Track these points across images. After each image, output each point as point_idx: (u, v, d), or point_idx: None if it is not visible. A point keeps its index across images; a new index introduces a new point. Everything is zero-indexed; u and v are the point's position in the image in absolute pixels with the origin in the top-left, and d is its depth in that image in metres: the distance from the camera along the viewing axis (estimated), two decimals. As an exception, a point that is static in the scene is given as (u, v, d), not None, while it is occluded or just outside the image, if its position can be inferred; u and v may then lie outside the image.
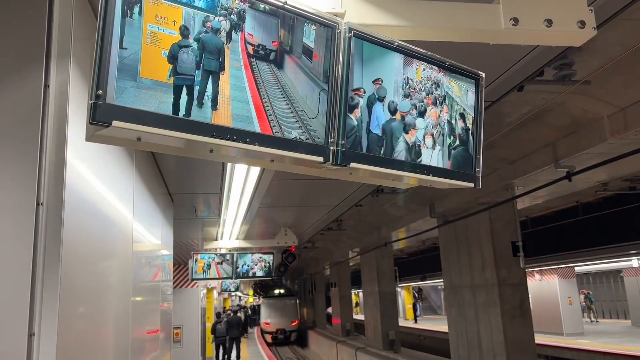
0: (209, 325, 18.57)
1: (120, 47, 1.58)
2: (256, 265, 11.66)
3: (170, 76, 1.68)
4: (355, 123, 2.11)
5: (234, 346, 19.99)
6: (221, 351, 19.78)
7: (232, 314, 21.93)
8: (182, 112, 1.69)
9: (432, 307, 44.42)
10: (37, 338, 1.86)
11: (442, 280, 13.30)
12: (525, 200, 11.23)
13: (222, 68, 1.81)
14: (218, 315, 20.90)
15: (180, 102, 1.69)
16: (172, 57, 1.69)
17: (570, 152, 7.20)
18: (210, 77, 1.78)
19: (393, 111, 2.24)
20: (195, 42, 1.74)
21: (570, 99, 6.34)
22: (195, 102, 1.72)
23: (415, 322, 35.04)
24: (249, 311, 43.60)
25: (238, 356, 19.67)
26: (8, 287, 1.85)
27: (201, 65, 1.75)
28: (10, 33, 2.03)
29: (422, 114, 2.35)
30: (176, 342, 12.90)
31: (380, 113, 2.20)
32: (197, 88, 1.74)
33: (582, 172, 7.19)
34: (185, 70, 1.72)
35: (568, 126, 7.05)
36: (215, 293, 20.76)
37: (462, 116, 2.50)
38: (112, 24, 1.56)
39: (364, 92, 2.15)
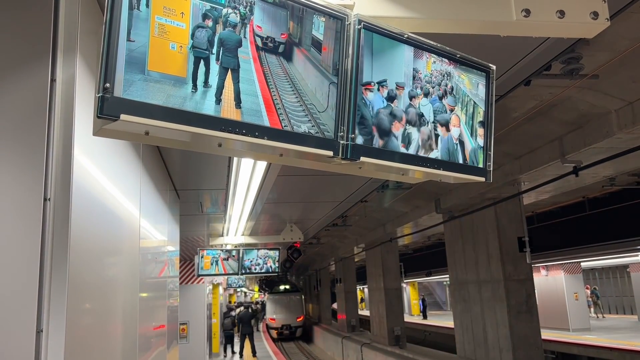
0: (215, 321, 18.60)
1: (128, 39, 1.56)
2: (262, 261, 11.67)
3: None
4: (366, 116, 2.09)
5: (248, 341, 19.97)
6: (229, 348, 19.87)
7: (244, 310, 21.93)
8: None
9: (438, 303, 44.39)
10: (45, 334, 1.85)
11: (447, 275, 13.27)
12: (532, 196, 11.20)
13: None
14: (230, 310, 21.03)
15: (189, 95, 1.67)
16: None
17: (578, 147, 7.16)
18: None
19: (403, 104, 2.21)
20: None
21: (577, 93, 6.30)
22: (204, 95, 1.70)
23: (425, 318, 34.92)
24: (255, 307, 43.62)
25: (254, 351, 19.65)
26: (16, 283, 1.84)
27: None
28: (16, 27, 2.01)
29: (432, 107, 2.32)
30: (182, 338, 12.92)
31: (390, 106, 2.17)
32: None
33: (589, 167, 7.16)
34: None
35: (575, 121, 7.01)
36: (220, 289, 20.78)
37: (473, 109, 2.47)
38: (120, 16, 1.54)
39: (374, 86, 2.12)
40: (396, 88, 2.19)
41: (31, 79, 1.98)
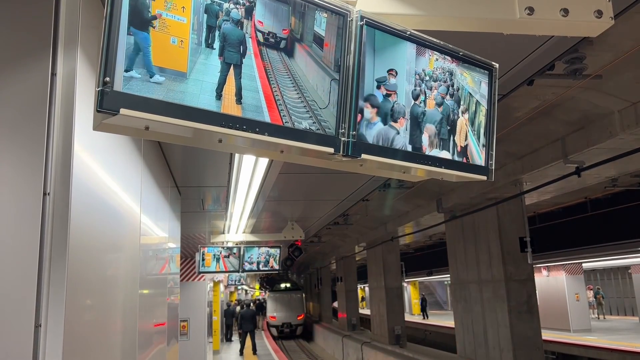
0: (215, 318, 18.63)
1: (128, 33, 1.55)
2: (263, 258, 11.66)
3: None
4: (368, 114, 2.07)
5: (249, 339, 19.96)
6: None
7: (245, 308, 21.94)
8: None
9: (438, 303, 44.37)
10: (43, 329, 1.84)
11: (448, 275, 13.27)
12: (533, 196, 11.19)
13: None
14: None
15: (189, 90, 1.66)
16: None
17: (580, 147, 7.14)
18: (220, 66, 1.74)
19: (405, 102, 2.20)
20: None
21: (580, 93, 6.28)
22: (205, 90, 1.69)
23: (424, 318, 34.86)
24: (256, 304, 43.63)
25: (254, 349, 19.64)
26: (14, 278, 1.83)
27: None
28: (17, 21, 2.00)
29: (434, 105, 2.31)
30: (182, 335, 12.92)
31: (393, 104, 2.16)
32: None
33: (591, 167, 7.13)
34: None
35: (578, 121, 6.99)
36: (221, 286, 20.80)
37: (475, 108, 2.46)
38: (120, 10, 1.53)
39: (378, 83, 2.11)
40: (397, 85, 2.18)
41: (32, 73, 1.97)
